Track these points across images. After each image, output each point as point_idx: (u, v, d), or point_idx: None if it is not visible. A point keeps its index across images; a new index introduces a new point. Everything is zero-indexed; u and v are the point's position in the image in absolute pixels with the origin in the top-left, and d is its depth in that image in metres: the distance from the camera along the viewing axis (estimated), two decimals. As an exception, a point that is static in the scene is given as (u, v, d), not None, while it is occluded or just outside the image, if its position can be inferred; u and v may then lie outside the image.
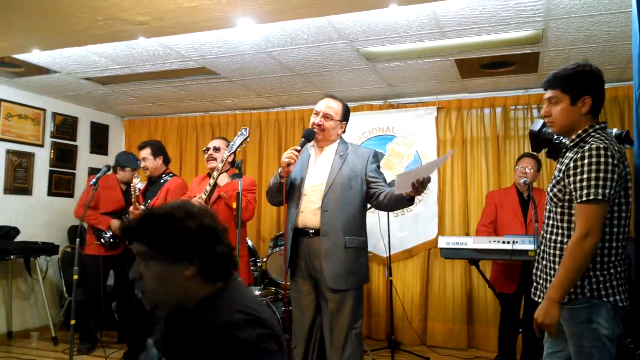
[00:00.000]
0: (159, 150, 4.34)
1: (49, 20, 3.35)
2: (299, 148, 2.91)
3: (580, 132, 2.11)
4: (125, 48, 4.11)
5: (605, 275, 2.01)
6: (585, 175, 1.98)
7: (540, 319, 1.99)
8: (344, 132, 3.12)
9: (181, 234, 1.41)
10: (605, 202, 1.96)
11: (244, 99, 5.72)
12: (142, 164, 4.26)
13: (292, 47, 4.05)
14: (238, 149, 3.36)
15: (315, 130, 2.99)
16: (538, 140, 2.45)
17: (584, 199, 1.97)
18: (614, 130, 2.62)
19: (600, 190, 1.95)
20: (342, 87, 5.14)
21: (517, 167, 4.00)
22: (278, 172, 2.95)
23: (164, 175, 4.28)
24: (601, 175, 1.95)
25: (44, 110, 5.70)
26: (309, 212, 2.94)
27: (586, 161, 1.99)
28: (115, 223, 4.63)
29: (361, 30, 3.71)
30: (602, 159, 1.96)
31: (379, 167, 3.06)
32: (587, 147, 2.01)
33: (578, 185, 2.00)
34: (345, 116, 3.08)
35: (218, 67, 4.59)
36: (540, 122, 2.50)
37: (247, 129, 3.30)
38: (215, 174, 3.41)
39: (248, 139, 3.31)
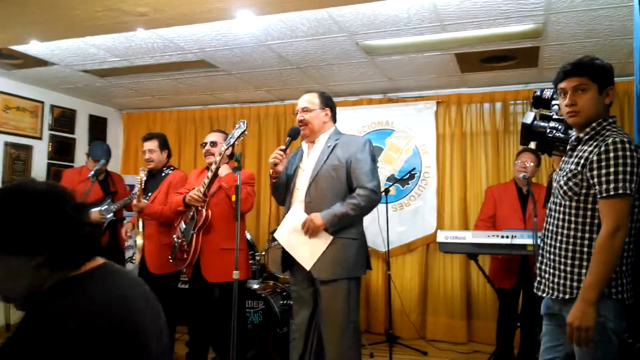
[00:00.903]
0: (165, 143, 4.32)
1: (47, 11, 3.32)
2: (284, 147, 2.92)
3: (594, 124, 2.08)
4: (123, 40, 4.09)
5: (617, 272, 2.00)
6: (612, 169, 1.94)
7: (577, 323, 1.92)
8: (333, 120, 3.09)
9: (23, 225, 1.24)
10: (631, 197, 1.94)
11: (243, 93, 5.70)
12: (147, 156, 4.21)
13: (292, 40, 4.03)
14: (236, 142, 3.35)
15: (300, 127, 2.99)
16: (529, 132, 2.42)
17: (612, 193, 1.94)
18: None
19: (627, 185, 1.92)
20: (342, 80, 5.13)
21: (516, 162, 4.00)
22: (270, 174, 2.98)
23: (165, 169, 4.25)
24: (628, 169, 1.93)
25: (42, 102, 5.68)
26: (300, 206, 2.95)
27: (612, 154, 1.95)
28: (94, 215, 4.59)
29: (361, 23, 3.69)
30: (628, 153, 1.93)
31: (372, 158, 2.97)
32: (610, 141, 1.97)
33: (604, 179, 1.96)
34: (325, 102, 3.05)
35: (217, 60, 4.57)
36: (532, 114, 2.47)
37: (245, 122, 3.28)
38: (213, 167, 3.42)
39: (246, 132, 3.30)
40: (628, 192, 1.92)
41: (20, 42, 4.09)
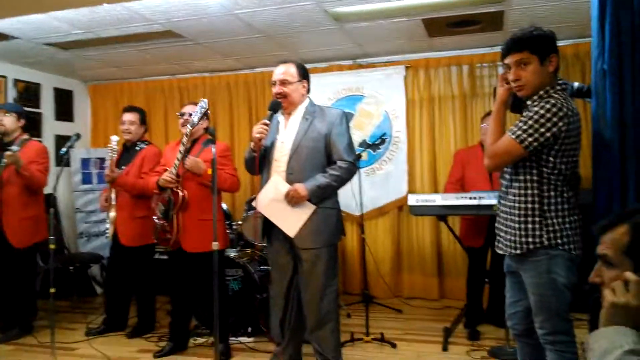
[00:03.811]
0: (144, 119, 4.31)
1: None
2: (267, 122, 2.95)
3: (541, 92, 2.20)
4: (87, 13, 4.00)
5: (560, 224, 2.16)
6: (529, 122, 2.12)
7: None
8: (308, 91, 3.13)
9: None
10: (522, 148, 2.12)
11: (212, 62, 5.65)
12: (126, 127, 4.17)
13: (260, 9, 4.01)
14: (200, 122, 3.39)
15: (279, 99, 3.02)
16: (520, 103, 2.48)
17: (511, 135, 2.14)
18: (576, 84, 2.73)
19: (524, 136, 2.11)
20: (311, 47, 5.13)
21: (482, 125, 4.11)
22: (251, 147, 3.00)
23: (139, 143, 4.24)
24: (536, 127, 2.10)
25: (5, 77, 5.53)
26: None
27: (536, 109, 2.12)
28: None
29: (329, -9, 3.69)
30: (548, 115, 2.09)
31: (348, 128, 3.08)
32: (546, 101, 2.12)
33: (519, 125, 2.15)
34: (303, 74, 3.08)
35: (184, 30, 4.51)
36: None
37: (206, 101, 3.28)
38: (181, 148, 3.45)
39: (209, 111, 3.33)
40: (518, 141, 2.12)
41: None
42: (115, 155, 4.07)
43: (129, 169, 4.11)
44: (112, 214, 4.12)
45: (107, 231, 4.23)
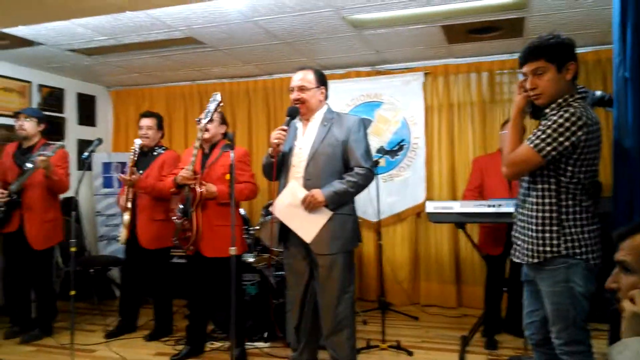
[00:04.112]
0: (161, 124, 4.38)
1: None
2: (285, 127, 2.97)
3: (560, 101, 2.18)
4: (111, 19, 4.08)
5: (579, 233, 2.13)
6: (547, 131, 2.10)
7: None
8: (326, 97, 3.14)
9: None
10: (540, 157, 2.11)
11: (231, 68, 5.71)
12: (144, 132, 4.24)
13: (279, 16, 4.04)
14: (214, 114, 3.43)
15: (297, 105, 3.04)
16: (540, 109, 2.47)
17: (529, 144, 2.13)
18: (598, 93, 2.70)
19: (542, 145, 2.10)
20: (330, 54, 5.15)
21: (502, 132, 4.08)
22: (269, 152, 3.02)
23: (157, 148, 4.31)
24: (555, 136, 2.08)
25: (30, 82, 5.66)
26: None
27: (555, 118, 2.10)
28: None
29: (348, -2, 3.71)
30: (567, 124, 2.07)
31: (365, 135, 3.09)
32: (562, 112, 2.10)
33: (537, 134, 2.13)
34: (321, 81, 3.10)
35: (204, 37, 4.57)
36: None
37: (219, 94, 3.32)
38: (197, 143, 3.49)
39: (222, 103, 3.36)
40: (537, 150, 2.10)
41: (5, 26, 4.08)
42: (135, 159, 4.13)
43: (148, 172, 4.16)
44: (126, 217, 4.17)
45: (118, 236, 4.28)
